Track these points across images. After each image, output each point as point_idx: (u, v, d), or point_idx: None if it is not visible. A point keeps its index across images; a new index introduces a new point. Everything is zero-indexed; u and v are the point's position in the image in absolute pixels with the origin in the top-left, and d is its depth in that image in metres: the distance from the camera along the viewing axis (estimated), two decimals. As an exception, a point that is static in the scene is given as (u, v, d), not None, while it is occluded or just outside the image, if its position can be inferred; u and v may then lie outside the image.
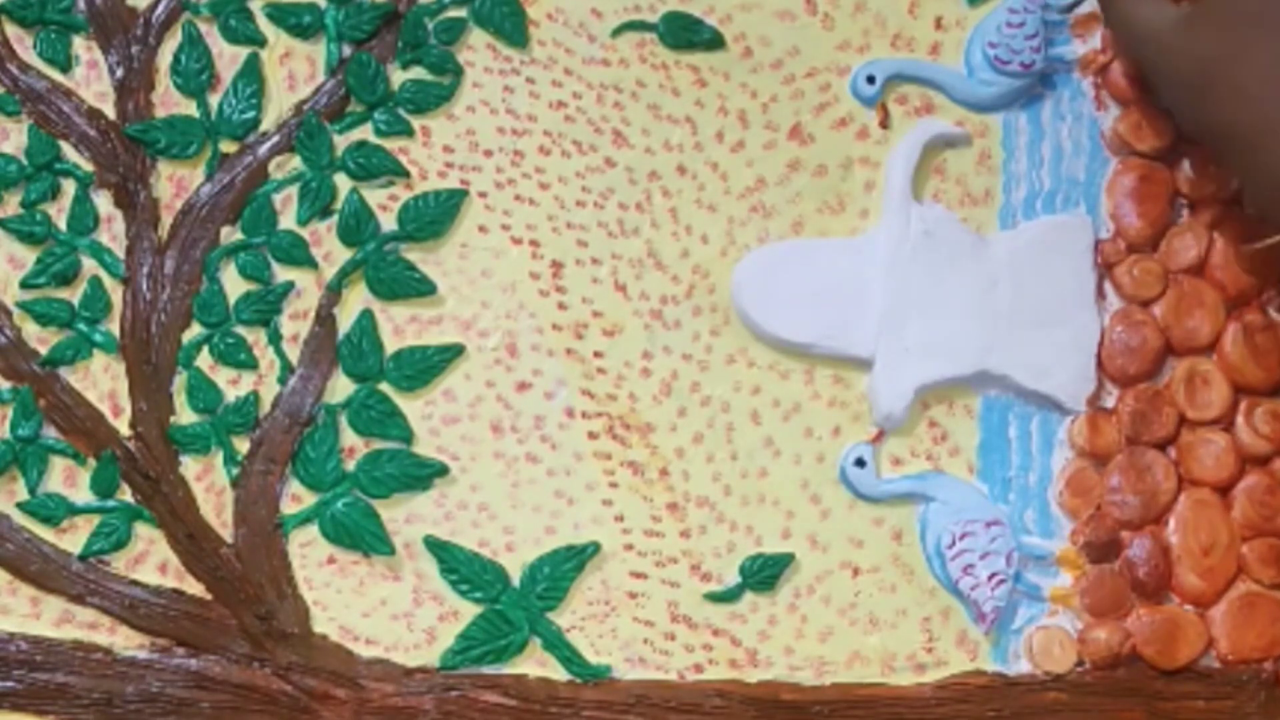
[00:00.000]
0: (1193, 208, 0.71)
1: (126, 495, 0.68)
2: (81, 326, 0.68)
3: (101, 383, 0.68)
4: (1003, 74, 0.70)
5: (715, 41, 0.70)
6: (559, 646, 0.67)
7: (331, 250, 0.69)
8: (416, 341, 0.69)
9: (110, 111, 0.69)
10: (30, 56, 0.70)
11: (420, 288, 0.69)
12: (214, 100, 0.69)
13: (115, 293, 0.69)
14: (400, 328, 0.69)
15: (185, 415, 0.68)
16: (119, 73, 0.69)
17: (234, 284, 0.69)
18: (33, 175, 0.69)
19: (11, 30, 0.70)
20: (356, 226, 0.69)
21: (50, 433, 0.68)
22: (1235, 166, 0.66)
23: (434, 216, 0.69)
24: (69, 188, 0.69)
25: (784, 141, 0.70)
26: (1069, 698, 0.68)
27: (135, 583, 0.67)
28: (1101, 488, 0.69)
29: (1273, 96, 0.61)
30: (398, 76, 0.70)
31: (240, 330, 0.69)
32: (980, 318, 0.69)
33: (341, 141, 0.69)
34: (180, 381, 0.68)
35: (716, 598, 0.68)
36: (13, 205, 0.69)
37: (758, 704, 0.67)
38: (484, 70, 0.70)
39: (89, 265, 0.69)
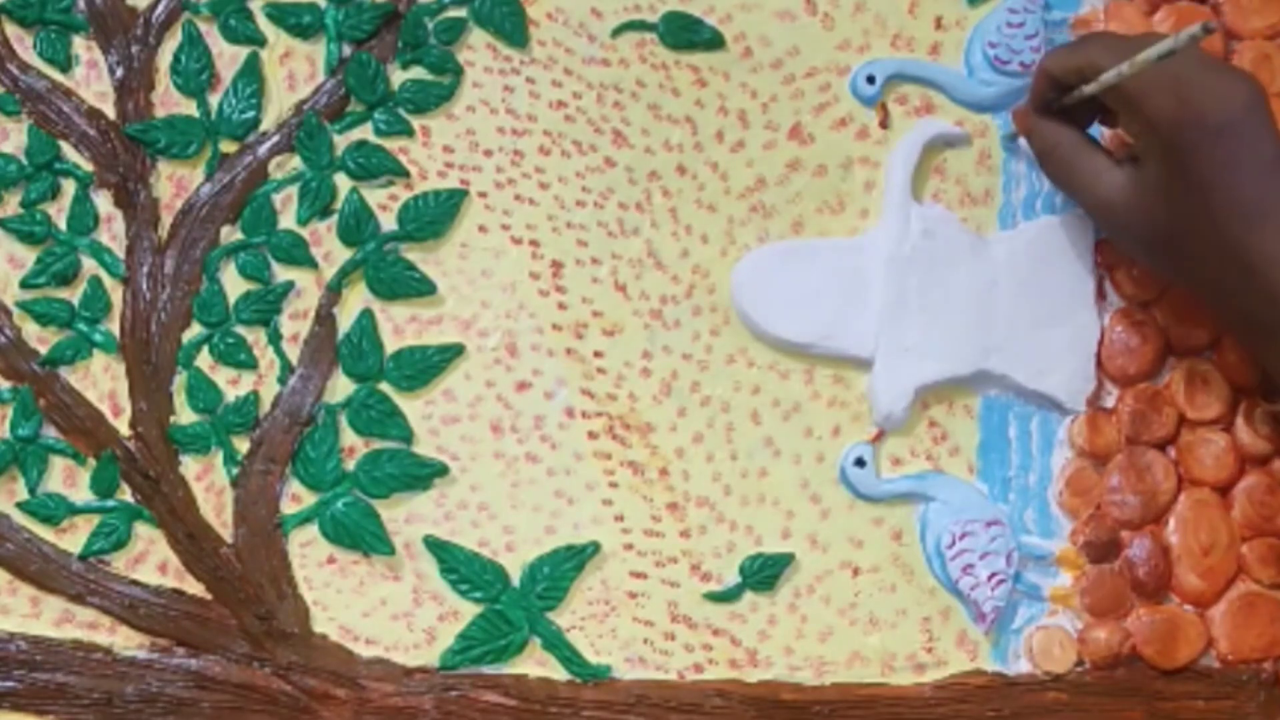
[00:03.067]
0: (1193, 208, 0.71)
1: (126, 495, 0.68)
2: (81, 326, 0.68)
3: (101, 383, 0.68)
4: (1003, 74, 0.70)
5: (715, 41, 0.70)
6: (559, 646, 0.67)
7: (331, 250, 0.69)
8: (416, 341, 0.69)
9: (110, 111, 0.69)
10: (30, 56, 0.70)
11: (420, 288, 0.69)
12: (214, 100, 0.69)
13: (115, 293, 0.69)
14: (400, 328, 0.69)
15: (185, 415, 0.68)
16: (119, 73, 0.69)
17: (234, 284, 0.69)
18: (33, 175, 0.69)
19: (11, 30, 0.70)
20: (356, 226, 0.69)
21: (50, 433, 0.68)
22: (1221, 313, 0.64)
23: (434, 216, 0.69)
24: (69, 188, 0.69)
25: (784, 141, 0.70)
26: (1069, 698, 0.68)
27: (135, 583, 0.67)
28: (1101, 488, 0.69)
29: (1238, 239, 0.59)
30: (398, 76, 0.70)
31: (240, 330, 0.69)
32: (980, 318, 0.69)
33: (341, 141, 0.69)
34: (180, 381, 0.68)
35: (716, 598, 0.68)
36: (13, 205, 0.69)
37: (758, 704, 0.67)
38: (484, 70, 0.70)
39: (89, 265, 0.69)
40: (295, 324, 0.69)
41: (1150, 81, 0.60)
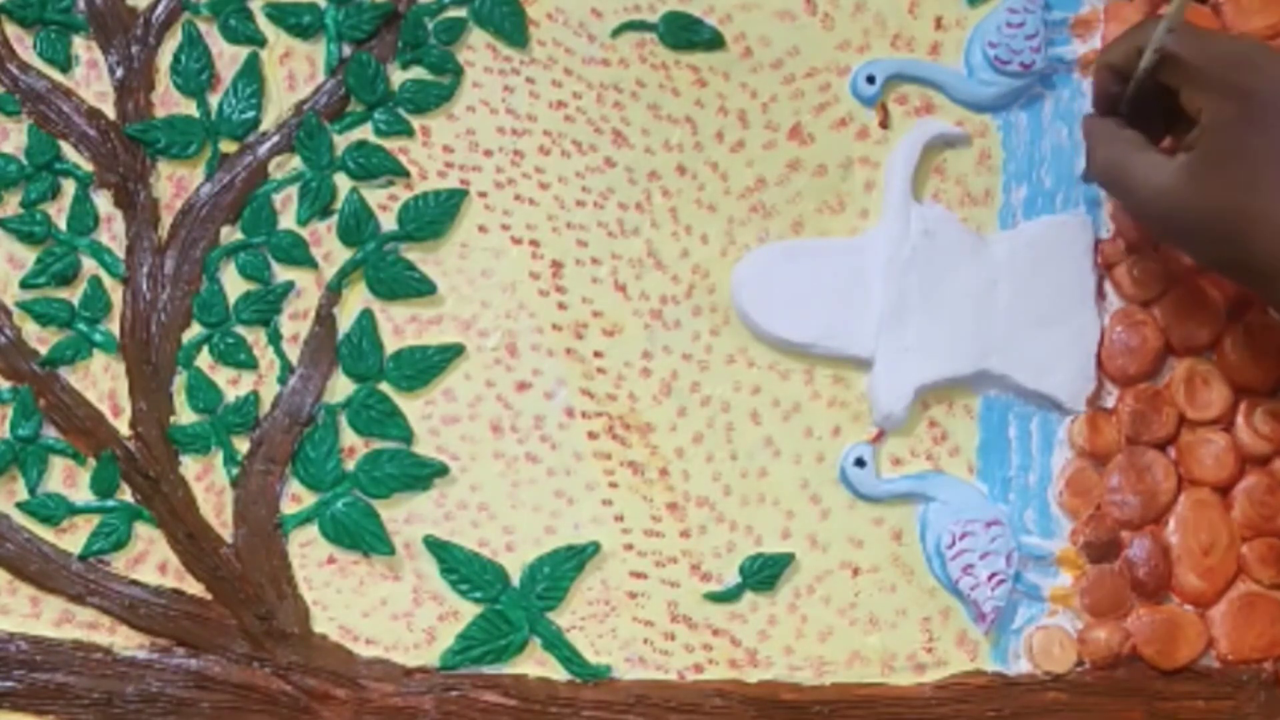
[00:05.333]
0: (1193, 208, 0.71)
1: (126, 495, 0.68)
2: (81, 326, 0.68)
3: (101, 383, 0.68)
4: (1003, 74, 0.70)
5: (715, 41, 0.70)
6: (559, 646, 0.67)
7: (331, 250, 0.69)
8: (416, 341, 0.69)
9: (110, 111, 0.69)
10: (30, 56, 0.70)
11: (420, 288, 0.69)
12: (214, 100, 0.69)
13: (115, 293, 0.69)
14: (400, 328, 0.69)
15: (185, 415, 0.68)
16: (119, 73, 0.69)
17: (234, 284, 0.69)
18: (33, 175, 0.69)
19: (11, 30, 0.70)
20: (356, 226, 0.69)
21: (50, 433, 0.68)
22: (1271, 297, 0.63)
23: (434, 216, 0.69)
24: (69, 188, 0.69)
25: (784, 141, 0.70)
26: (1069, 698, 0.68)
27: (135, 583, 0.67)
28: (1101, 488, 0.69)
29: None
30: (398, 76, 0.70)
31: (240, 330, 0.69)
32: (980, 318, 0.69)
33: (341, 141, 0.69)
34: (180, 381, 0.68)
35: (716, 598, 0.68)
36: (13, 205, 0.69)
37: (758, 704, 0.67)
38: (484, 70, 0.70)
39: (89, 265, 0.69)
40: (295, 324, 0.69)
41: (1216, 54, 0.61)
